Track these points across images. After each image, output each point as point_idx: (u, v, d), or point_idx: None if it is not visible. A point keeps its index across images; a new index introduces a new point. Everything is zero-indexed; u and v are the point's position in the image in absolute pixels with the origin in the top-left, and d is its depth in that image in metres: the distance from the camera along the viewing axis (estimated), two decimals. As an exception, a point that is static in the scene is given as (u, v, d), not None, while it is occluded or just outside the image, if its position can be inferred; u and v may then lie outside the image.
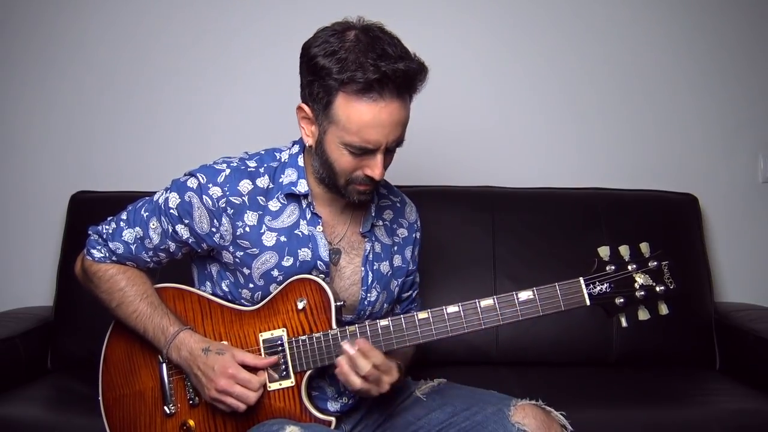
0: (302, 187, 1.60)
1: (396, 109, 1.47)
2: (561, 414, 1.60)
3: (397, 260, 1.75)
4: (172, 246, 1.63)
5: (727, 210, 2.69)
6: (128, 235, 1.63)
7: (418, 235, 1.81)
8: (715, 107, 2.71)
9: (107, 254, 1.65)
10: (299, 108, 1.55)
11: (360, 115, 1.45)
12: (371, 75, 1.42)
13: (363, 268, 1.67)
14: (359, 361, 1.46)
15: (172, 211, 1.59)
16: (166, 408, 1.62)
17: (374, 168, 1.51)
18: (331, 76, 1.45)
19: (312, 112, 1.52)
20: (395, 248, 1.74)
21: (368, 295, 1.67)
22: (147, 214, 1.63)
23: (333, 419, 1.57)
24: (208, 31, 2.67)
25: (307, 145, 1.58)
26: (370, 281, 1.67)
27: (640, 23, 2.70)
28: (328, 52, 1.46)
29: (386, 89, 1.44)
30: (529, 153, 2.71)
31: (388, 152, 1.53)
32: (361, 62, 1.43)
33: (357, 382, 1.47)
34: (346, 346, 1.48)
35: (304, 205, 1.62)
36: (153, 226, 1.62)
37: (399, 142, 1.53)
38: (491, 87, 2.71)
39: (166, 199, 1.60)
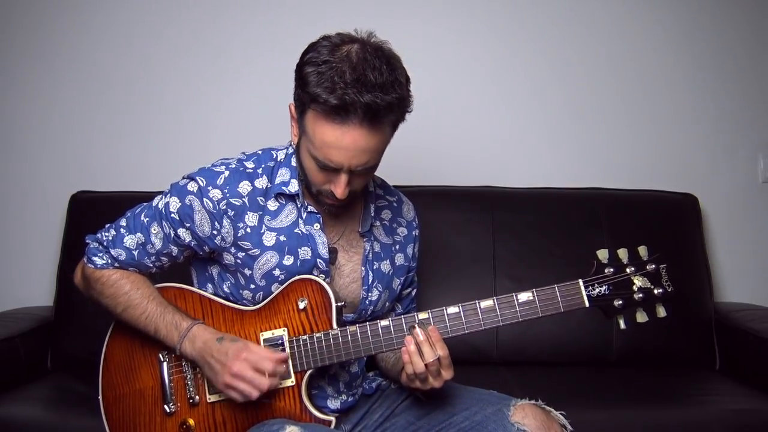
0: (293, 187, 1.61)
1: (361, 137, 1.44)
2: (561, 414, 1.60)
3: (399, 258, 1.75)
4: (175, 250, 1.64)
5: (727, 210, 2.69)
6: (130, 241, 1.63)
7: (416, 232, 1.82)
8: (715, 107, 2.71)
9: (109, 261, 1.65)
10: (289, 107, 1.56)
11: (323, 134, 1.45)
12: (332, 100, 1.40)
13: (363, 268, 1.67)
14: (425, 348, 1.47)
15: (173, 215, 1.59)
16: (166, 407, 1.62)
17: (336, 186, 1.51)
18: (306, 89, 1.44)
19: (296, 113, 1.53)
20: (396, 247, 1.75)
21: (369, 294, 1.67)
22: (147, 219, 1.63)
23: (333, 419, 1.57)
24: (208, 31, 2.67)
25: (293, 143, 1.59)
26: (370, 281, 1.67)
27: (640, 23, 2.70)
28: (313, 62, 1.45)
29: (350, 116, 1.42)
30: (529, 153, 2.72)
31: (357, 174, 1.51)
32: (334, 82, 1.41)
33: (420, 365, 1.47)
34: (418, 330, 1.48)
35: (299, 205, 1.62)
36: (154, 231, 1.62)
37: (368, 167, 1.51)
38: (491, 87, 2.71)
39: (167, 204, 1.60)
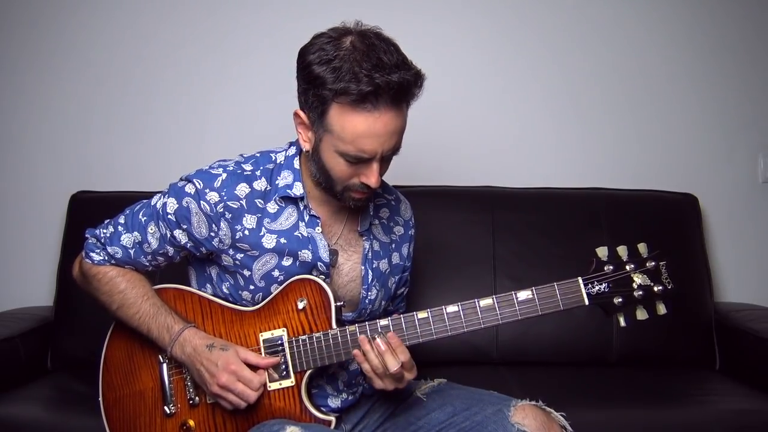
0: (297, 189, 1.60)
1: (391, 119, 1.45)
2: (561, 415, 1.60)
3: (395, 258, 1.75)
4: (170, 250, 1.63)
5: (727, 210, 2.69)
6: (126, 239, 1.63)
7: (412, 232, 1.82)
8: (716, 107, 2.71)
9: (106, 257, 1.65)
10: (296, 114, 1.54)
11: (354, 125, 1.44)
12: (365, 87, 1.40)
13: (363, 267, 1.67)
14: (387, 357, 1.47)
15: (170, 216, 1.59)
16: (166, 408, 1.62)
17: (370, 176, 1.51)
18: (326, 86, 1.43)
19: (308, 119, 1.52)
20: (393, 246, 1.75)
21: (369, 293, 1.67)
22: (145, 218, 1.63)
23: (333, 419, 1.57)
24: (204, 30, 2.67)
25: (304, 150, 1.57)
26: (370, 280, 1.67)
27: (641, 22, 2.70)
28: (323, 60, 1.44)
29: (381, 100, 1.42)
30: (529, 153, 2.72)
31: (384, 160, 1.53)
32: (355, 72, 1.41)
33: (381, 381, 1.48)
34: (378, 340, 1.48)
35: (302, 207, 1.62)
36: (151, 231, 1.62)
37: (395, 150, 1.52)
38: (492, 86, 2.71)
39: (164, 204, 1.60)
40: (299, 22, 1.54)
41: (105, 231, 1.66)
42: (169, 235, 1.61)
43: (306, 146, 1.56)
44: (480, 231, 2.47)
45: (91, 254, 1.66)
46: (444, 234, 2.43)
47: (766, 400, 2.06)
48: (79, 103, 2.67)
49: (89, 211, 2.43)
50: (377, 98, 1.42)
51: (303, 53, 1.49)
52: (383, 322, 1.54)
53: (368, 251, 1.68)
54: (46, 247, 2.62)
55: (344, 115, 1.44)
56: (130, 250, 1.63)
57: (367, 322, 1.55)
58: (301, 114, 1.53)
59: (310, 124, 1.51)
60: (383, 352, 1.47)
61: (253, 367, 1.55)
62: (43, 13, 2.66)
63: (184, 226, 1.58)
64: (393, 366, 1.46)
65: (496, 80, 2.71)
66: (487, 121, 2.71)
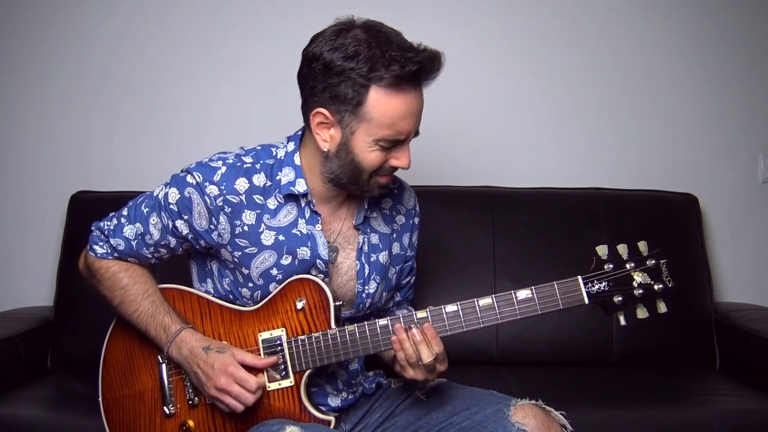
0: (300, 186, 1.59)
1: (421, 97, 1.51)
2: (561, 414, 1.60)
3: (396, 248, 1.74)
4: (173, 242, 1.63)
5: (727, 210, 2.69)
6: (129, 231, 1.63)
7: (416, 220, 1.81)
8: (716, 107, 2.71)
9: (109, 250, 1.65)
10: (316, 113, 1.52)
11: (394, 108, 1.47)
12: (411, 66, 1.44)
13: (358, 262, 1.66)
14: (422, 348, 1.48)
15: (171, 206, 1.59)
16: (165, 408, 1.62)
17: (402, 158, 1.54)
18: (363, 75, 1.45)
19: (333, 116, 1.50)
20: (393, 236, 1.74)
21: (366, 287, 1.67)
22: (147, 209, 1.62)
23: (332, 419, 1.57)
24: (205, 30, 2.67)
25: (324, 150, 1.55)
26: (366, 274, 1.66)
27: (641, 22, 2.70)
28: (348, 55, 1.45)
29: (415, 79, 1.47)
30: (529, 153, 2.71)
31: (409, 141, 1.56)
32: (391, 56, 1.44)
33: (412, 370, 1.49)
34: (414, 330, 1.48)
35: (303, 204, 1.61)
36: (153, 222, 1.62)
37: (418, 129, 1.55)
38: (492, 86, 2.71)
39: (166, 195, 1.60)
40: (300, 22, 1.54)
41: (109, 223, 1.66)
42: (170, 226, 1.60)
43: (325, 146, 1.54)
44: (480, 231, 2.47)
45: (95, 247, 1.66)
46: (444, 234, 2.43)
47: (766, 400, 2.06)
48: (79, 103, 2.67)
49: (89, 211, 2.41)
50: (415, 77, 1.47)
51: (317, 54, 1.49)
52: (382, 321, 1.54)
53: (363, 245, 1.67)
54: (46, 247, 2.62)
55: (384, 98, 1.47)
56: (132, 242, 1.63)
57: (366, 322, 1.55)
58: (324, 111, 1.51)
59: (337, 120, 1.51)
60: (418, 342, 1.47)
61: (251, 369, 1.54)
62: (43, 13, 2.66)
63: (186, 217, 1.58)
64: (426, 357, 1.47)
65: (496, 80, 2.71)
66: (487, 121, 2.71)
